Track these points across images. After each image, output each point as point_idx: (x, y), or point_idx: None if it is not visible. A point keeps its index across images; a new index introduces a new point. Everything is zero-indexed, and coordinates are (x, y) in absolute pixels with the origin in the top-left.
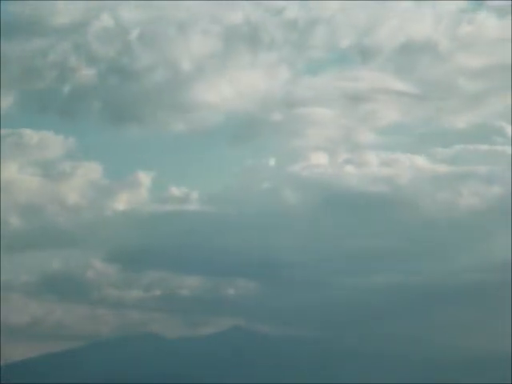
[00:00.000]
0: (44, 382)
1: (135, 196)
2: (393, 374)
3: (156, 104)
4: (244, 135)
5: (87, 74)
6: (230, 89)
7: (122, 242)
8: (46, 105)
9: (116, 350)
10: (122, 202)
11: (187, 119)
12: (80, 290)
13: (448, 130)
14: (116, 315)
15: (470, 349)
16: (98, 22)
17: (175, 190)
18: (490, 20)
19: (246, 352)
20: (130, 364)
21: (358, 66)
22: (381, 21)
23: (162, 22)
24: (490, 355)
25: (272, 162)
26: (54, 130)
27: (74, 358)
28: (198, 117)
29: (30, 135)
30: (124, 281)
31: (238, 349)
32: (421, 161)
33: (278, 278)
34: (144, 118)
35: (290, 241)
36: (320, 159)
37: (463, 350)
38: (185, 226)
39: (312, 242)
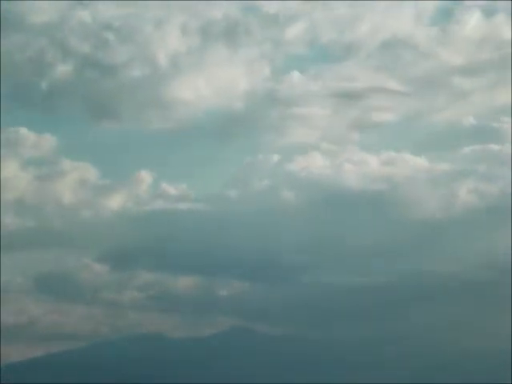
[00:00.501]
0: (44, 382)
1: (129, 195)
2: (393, 374)
3: (137, 101)
4: (228, 133)
5: (65, 70)
6: (211, 86)
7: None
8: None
9: (115, 350)
10: (116, 201)
11: (170, 117)
12: (77, 291)
13: (439, 127)
14: (114, 315)
15: (470, 348)
16: (76, 19)
17: (168, 188)
18: (471, 18)
19: (246, 352)
20: (130, 364)
21: (341, 62)
22: (361, 18)
23: (142, 18)
24: (490, 353)
25: (264, 159)
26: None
27: (73, 358)
28: (182, 114)
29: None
30: (121, 281)
31: (238, 348)
32: (417, 159)
33: (277, 278)
34: (124, 115)
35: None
36: (309, 158)
37: (464, 349)
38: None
39: (312, 241)
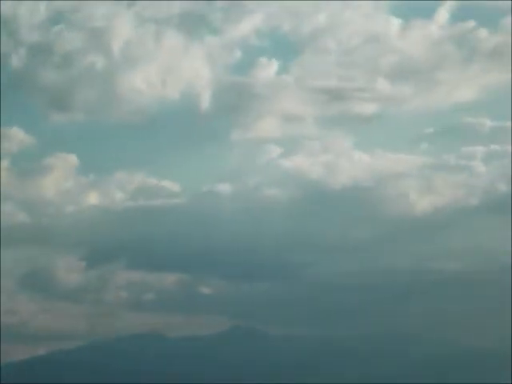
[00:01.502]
0: (44, 382)
1: (110, 191)
2: (392, 373)
3: (95, 93)
4: (194, 126)
5: (17, 60)
6: (173, 78)
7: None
8: None
9: (115, 350)
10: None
11: (132, 110)
12: (71, 290)
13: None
14: (104, 314)
15: (470, 347)
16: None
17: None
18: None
19: (246, 351)
20: (130, 363)
21: (305, 53)
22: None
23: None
24: (490, 353)
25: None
26: None
27: (73, 358)
28: (146, 107)
29: None
30: (110, 280)
31: (238, 348)
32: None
33: (277, 277)
34: (80, 107)
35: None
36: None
37: (463, 348)
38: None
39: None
